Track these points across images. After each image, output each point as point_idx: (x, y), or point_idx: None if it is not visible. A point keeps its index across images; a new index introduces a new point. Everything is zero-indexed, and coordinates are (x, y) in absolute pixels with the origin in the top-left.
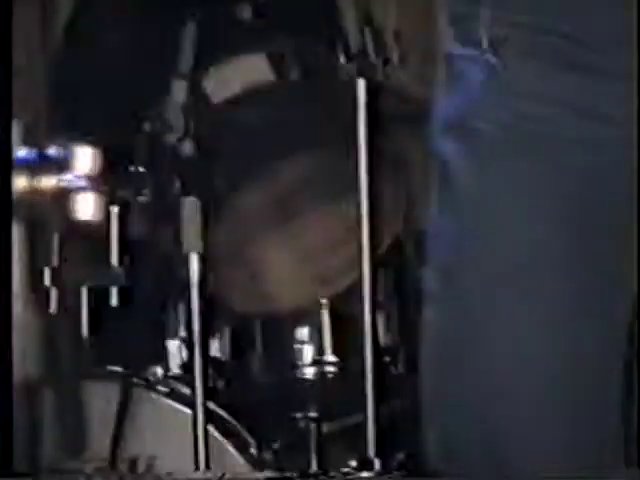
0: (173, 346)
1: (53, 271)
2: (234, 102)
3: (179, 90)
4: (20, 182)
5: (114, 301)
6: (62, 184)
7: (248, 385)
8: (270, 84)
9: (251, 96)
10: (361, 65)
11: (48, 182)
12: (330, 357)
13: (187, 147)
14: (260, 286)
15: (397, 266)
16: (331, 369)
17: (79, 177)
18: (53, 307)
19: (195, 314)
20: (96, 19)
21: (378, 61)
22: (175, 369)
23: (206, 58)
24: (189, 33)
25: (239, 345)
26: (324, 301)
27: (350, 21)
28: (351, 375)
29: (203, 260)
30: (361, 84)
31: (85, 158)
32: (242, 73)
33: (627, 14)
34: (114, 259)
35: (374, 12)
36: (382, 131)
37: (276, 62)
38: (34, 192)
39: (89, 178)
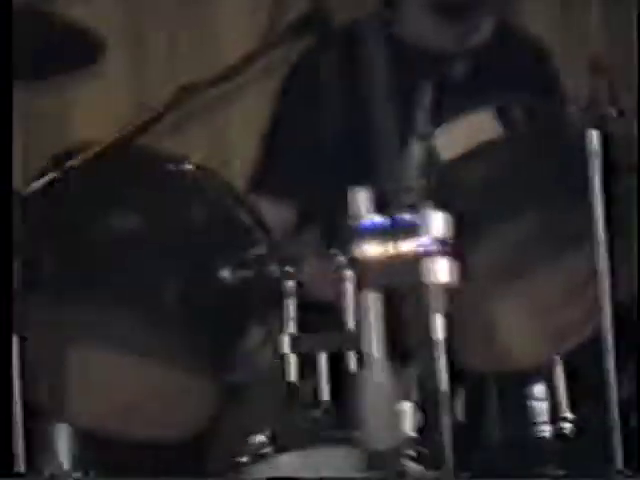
0: (408, 408)
1: (292, 339)
2: (465, 159)
3: (414, 150)
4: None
5: (352, 366)
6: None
7: (484, 446)
8: (499, 139)
9: (481, 152)
10: (594, 116)
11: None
12: (567, 414)
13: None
14: (494, 344)
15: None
16: (568, 426)
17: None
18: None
19: (441, 373)
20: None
21: (611, 112)
22: (410, 432)
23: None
24: (423, 95)
25: (474, 404)
26: (558, 357)
27: (580, 71)
28: (590, 432)
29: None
30: (595, 135)
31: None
32: (471, 130)
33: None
34: (350, 323)
35: (606, 61)
36: (614, 183)
37: (504, 117)
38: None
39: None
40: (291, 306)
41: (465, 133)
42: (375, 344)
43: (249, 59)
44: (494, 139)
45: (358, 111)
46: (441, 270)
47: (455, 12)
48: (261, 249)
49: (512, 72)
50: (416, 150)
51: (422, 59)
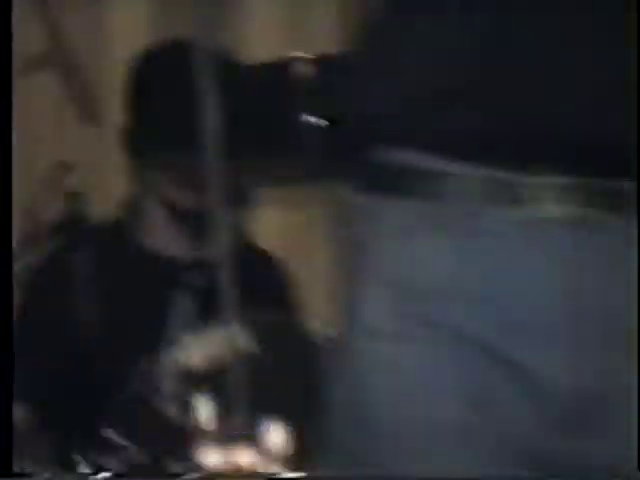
0: None
1: None
2: (210, 369)
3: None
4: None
5: None
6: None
7: None
8: (246, 353)
9: (228, 364)
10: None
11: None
12: None
13: None
14: None
15: None
16: None
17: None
18: None
19: None
20: None
21: None
22: None
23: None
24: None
25: None
26: None
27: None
28: None
29: None
30: None
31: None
32: (220, 341)
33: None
34: None
35: None
36: None
37: (251, 332)
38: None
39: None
40: None
41: (213, 344)
42: None
43: None
44: (242, 352)
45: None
46: None
47: (191, 225)
48: None
49: (254, 286)
50: (168, 355)
51: (164, 266)
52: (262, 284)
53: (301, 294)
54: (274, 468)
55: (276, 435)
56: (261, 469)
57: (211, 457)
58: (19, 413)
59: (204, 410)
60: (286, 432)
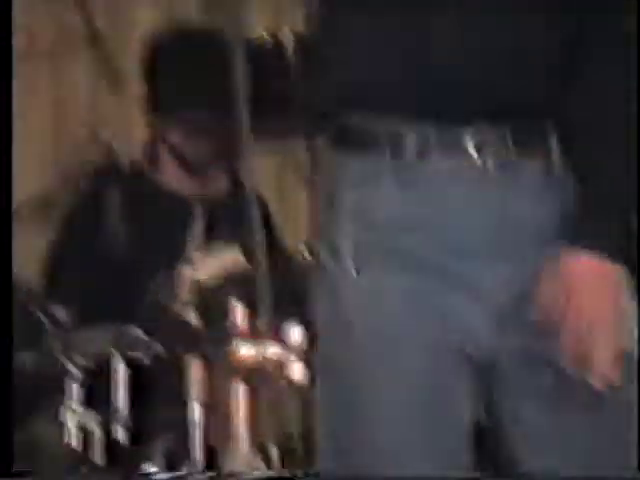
0: None
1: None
2: (217, 284)
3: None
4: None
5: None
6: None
7: None
8: (244, 269)
9: (228, 280)
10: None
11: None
12: None
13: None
14: None
15: None
16: None
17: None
18: None
19: None
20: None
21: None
22: None
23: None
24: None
25: None
26: None
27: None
28: None
29: None
30: None
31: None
32: (220, 259)
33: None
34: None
35: None
36: None
37: (248, 251)
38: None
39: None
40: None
41: (218, 263)
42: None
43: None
44: (241, 268)
45: (138, 240)
46: (297, 372)
47: (196, 168)
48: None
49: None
50: (183, 272)
51: (177, 201)
52: (251, 216)
53: (284, 225)
54: (294, 359)
55: (295, 333)
56: (284, 360)
57: (242, 349)
58: (62, 314)
59: (236, 311)
60: (302, 331)
